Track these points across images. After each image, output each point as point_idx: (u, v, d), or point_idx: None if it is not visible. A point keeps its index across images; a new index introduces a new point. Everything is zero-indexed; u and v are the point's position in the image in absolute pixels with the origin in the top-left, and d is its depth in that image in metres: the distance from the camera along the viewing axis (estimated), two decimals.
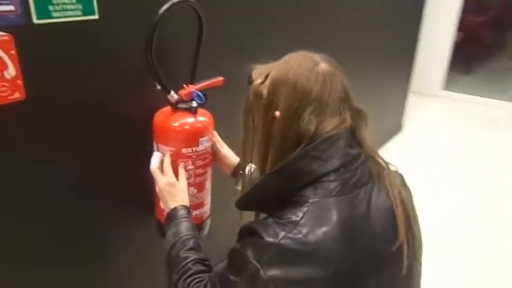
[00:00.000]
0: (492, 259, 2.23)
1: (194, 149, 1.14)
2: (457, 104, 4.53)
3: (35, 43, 0.92)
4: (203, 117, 1.17)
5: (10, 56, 0.87)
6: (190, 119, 1.14)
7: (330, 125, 0.79)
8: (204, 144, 1.16)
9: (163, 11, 1.03)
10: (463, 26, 4.43)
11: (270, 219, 0.77)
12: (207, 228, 1.29)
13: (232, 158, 1.24)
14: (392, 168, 0.87)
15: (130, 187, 1.25)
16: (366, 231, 0.78)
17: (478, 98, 4.57)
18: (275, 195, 0.81)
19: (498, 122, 4.12)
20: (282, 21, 1.73)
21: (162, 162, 1.12)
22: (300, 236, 0.73)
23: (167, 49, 1.20)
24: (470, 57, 5.22)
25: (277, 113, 0.81)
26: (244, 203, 0.88)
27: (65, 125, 1.04)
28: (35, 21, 0.91)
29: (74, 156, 1.08)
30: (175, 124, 1.13)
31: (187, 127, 1.14)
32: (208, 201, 1.27)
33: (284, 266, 0.72)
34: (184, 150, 1.13)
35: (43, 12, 0.92)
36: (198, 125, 1.15)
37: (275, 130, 0.82)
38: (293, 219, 0.75)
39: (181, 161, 1.14)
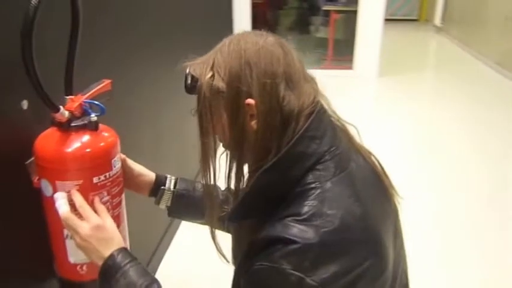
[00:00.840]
0: None
1: (108, 174, 0.89)
2: None
3: None
4: (106, 132, 0.92)
5: None
6: (91, 138, 0.88)
7: (307, 97, 0.72)
8: (117, 165, 0.92)
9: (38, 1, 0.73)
10: (254, 8, 4.81)
11: (288, 220, 0.65)
12: None
13: (148, 174, 1.01)
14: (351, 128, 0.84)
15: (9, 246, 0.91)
16: (371, 198, 0.75)
17: None
18: (276, 192, 0.70)
19: None
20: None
21: (71, 204, 0.84)
22: (330, 224, 0.65)
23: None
24: None
25: (251, 101, 0.69)
26: (240, 214, 0.73)
27: None
28: None
29: None
30: (74, 148, 0.85)
31: (89, 150, 0.87)
32: (127, 234, 1.02)
33: (327, 263, 0.63)
34: (96, 179, 0.87)
35: None
36: (102, 144, 0.89)
37: (254, 118, 0.70)
38: (314, 211, 0.66)
39: (95, 194, 0.87)
